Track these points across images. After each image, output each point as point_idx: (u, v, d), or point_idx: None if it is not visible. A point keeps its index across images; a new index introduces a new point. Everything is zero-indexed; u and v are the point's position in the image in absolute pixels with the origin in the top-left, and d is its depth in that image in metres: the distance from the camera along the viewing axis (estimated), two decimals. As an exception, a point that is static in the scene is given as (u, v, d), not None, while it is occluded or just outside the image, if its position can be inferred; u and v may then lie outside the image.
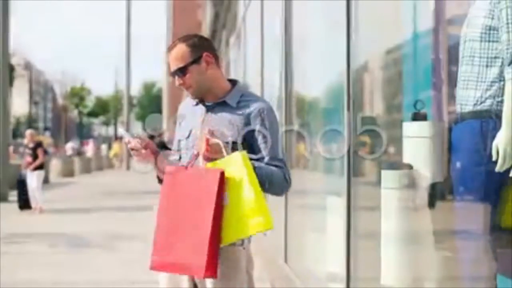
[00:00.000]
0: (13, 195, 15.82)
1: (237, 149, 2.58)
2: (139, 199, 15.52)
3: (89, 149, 38.83)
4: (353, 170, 3.92)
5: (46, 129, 79.54)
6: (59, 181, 22.84)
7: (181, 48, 2.65)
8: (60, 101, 78.25)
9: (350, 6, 3.93)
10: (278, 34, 6.29)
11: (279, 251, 6.03)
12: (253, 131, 2.61)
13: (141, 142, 2.66)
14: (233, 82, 2.75)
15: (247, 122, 2.62)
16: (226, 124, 2.62)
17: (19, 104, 64.91)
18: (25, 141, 13.92)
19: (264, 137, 2.62)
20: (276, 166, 2.63)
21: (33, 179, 13.12)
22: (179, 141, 2.75)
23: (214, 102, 2.68)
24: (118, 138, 39.27)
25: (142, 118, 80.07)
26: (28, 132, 14.13)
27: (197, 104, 2.73)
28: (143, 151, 2.66)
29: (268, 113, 2.66)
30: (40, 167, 13.26)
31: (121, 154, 32.31)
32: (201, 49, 2.66)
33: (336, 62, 4.16)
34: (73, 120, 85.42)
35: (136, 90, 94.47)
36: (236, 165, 2.47)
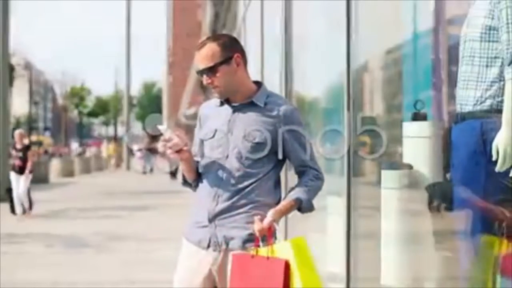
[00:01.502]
0: (13, 195, 15.84)
1: (263, 150, 2.60)
2: (139, 199, 15.54)
3: (103, 149, 38.39)
4: (353, 170, 3.91)
5: (46, 129, 79.51)
6: (59, 181, 22.84)
7: (211, 47, 2.63)
8: (60, 101, 78.20)
9: (350, 6, 3.93)
10: (278, 34, 6.29)
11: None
12: (283, 131, 2.63)
13: (182, 140, 2.63)
14: (258, 83, 2.75)
15: (276, 123, 2.63)
16: (254, 125, 2.63)
17: (19, 104, 64.81)
18: (15, 141, 12.41)
19: (297, 136, 2.65)
20: (310, 174, 2.67)
21: (19, 183, 12.00)
22: (202, 141, 2.73)
23: (241, 103, 2.67)
24: (117, 138, 38.50)
25: (142, 118, 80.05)
26: (17, 132, 12.73)
27: (221, 104, 2.72)
28: (185, 148, 2.64)
29: (296, 114, 2.70)
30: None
31: (115, 155, 31.39)
32: (232, 49, 2.65)
33: (336, 62, 4.16)
34: (73, 120, 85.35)
35: (136, 90, 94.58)
36: (286, 255, 2.48)
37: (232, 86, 2.65)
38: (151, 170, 26.92)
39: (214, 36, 2.75)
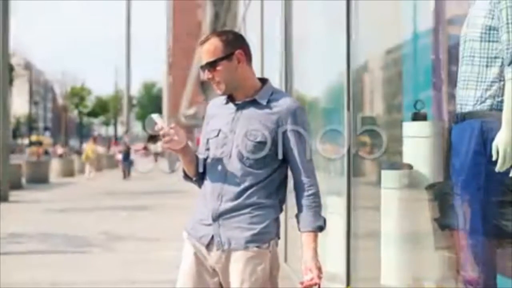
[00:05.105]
0: (14, 195, 15.84)
1: (263, 149, 2.59)
2: (139, 199, 15.53)
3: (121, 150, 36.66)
4: (353, 170, 3.92)
5: (46, 129, 79.57)
6: (59, 181, 22.84)
7: (214, 43, 2.63)
8: (60, 101, 78.24)
9: (350, 6, 3.93)
10: (278, 34, 6.29)
11: (279, 251, 6.03)
12: (284, 130, 2.60)
13: (174, 130, 2.61)
14: (263, 80, 2.74)
15: (278, 121, 2.61)
16: (256, 123, 2.61)
17: (19, 104, 64.89)
18: None
19: (299, 136, 2.62)
20: (310, 192, 2.67)
21: None
22: (207, 139, 2.72)
23: (244, 101, 2.66)
24: (96, 138, 35.58)
25: (142, 118, 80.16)
26: None
27: (226, 102, 2.71)
28: (176, 138, 2.61)
29: (300, 112, 2.64)
30: None
31: (93, 158, 27.60)
32: (234, 46, 2.64)
33: (336, 62, 4.16)
34: (73, 120, 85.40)
35: (136, 90, 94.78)
36: None
37: (234, 82, 2.64)
38: (129, 173, 25.71)
39: (219, 32, 2.75)
